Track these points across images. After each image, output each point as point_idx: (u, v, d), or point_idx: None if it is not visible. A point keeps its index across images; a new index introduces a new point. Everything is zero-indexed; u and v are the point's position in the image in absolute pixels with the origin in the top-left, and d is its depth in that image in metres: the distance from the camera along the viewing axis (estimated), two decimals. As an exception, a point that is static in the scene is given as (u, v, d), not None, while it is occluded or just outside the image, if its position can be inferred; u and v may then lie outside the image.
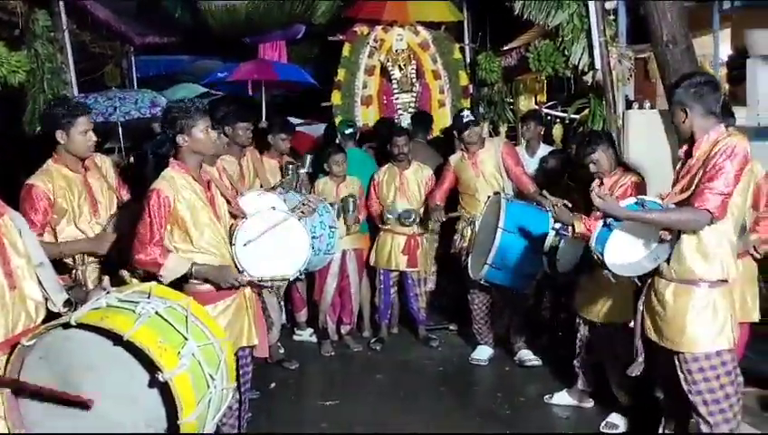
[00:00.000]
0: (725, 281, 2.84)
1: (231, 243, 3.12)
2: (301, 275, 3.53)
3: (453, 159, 5.05)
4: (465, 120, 4.89)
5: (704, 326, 2.83)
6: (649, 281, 3.01)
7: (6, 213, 2.39)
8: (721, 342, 2.83)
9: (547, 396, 4.24)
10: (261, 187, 4.54)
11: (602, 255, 2.87)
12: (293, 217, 3.30)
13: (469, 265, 4.59)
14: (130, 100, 6.70)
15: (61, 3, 6.22)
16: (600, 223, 2.88)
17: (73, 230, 3.24)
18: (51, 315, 2.41)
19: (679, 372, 2.89)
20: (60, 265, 3.03)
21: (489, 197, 4.60)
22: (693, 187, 2.76)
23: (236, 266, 3.13)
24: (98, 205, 3.33)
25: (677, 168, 2.96)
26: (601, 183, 3.80)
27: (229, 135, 4.45)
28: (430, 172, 5.28)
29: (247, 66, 7.99)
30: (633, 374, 3.14)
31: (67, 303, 2.44)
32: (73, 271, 3.23)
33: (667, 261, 2.88)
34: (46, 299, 2.43)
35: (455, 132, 5.15)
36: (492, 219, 4.36)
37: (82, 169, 3.33)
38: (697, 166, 2.78)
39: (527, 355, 4.85)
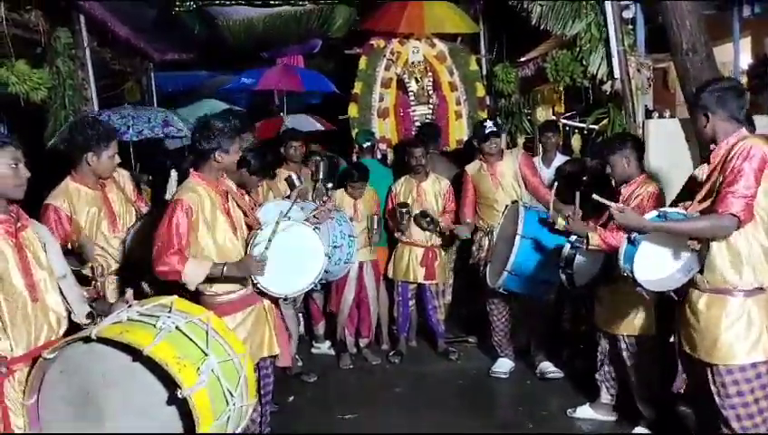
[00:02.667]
0: (761, 289, 2.76)
1: (246, 252, 3.13)
2: (317, 286, 3.52)
3: (470, 169, 5.03)
4: (487, 131, 4.87)
5: (738, 338, 2.75)
6: (687, 295, 2.92)
7: (30, 226, 2.43)
8: (756, 354, 2.75)
9: (570, 410, 4.17)
10: (274, 198, 4.56)
11: (633, 272, 2.78)
12: (307, 226, 3.31)
13: (487, 274, 4.56)
14: (143, 118, 6.57)
15: (82, 20, 6.34)
16: (625, 239, 2.80)
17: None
18: (74, 327, 2.42)
19: (712, 386, 2.82)
20: (80, 278, 3.05)
21: (507, 205, 4.58)
22: (713, 193, 2.72)
23: (252, 281, 3.14)
24: (117, 219, 3.40)
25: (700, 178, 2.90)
26: (618, 192, 3.75)
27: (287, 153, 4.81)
28: (448, 184, 5.26)
29: (273, 74, 8.08)
30: (677, 391, 3.07)
31: (89, 315, 2.47)
32: (93, 283, 3.26)
33: (701, 271, 2.81)
34: (69, 311, 2.45)
35: (475, 142, 5.12)
36: (510, 228, 4.34)
37: (100, 185, 3.37)
38: (716, 172, 2.74)
39: (548, 367, 4.79)
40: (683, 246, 2.77)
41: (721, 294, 2.78)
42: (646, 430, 3.81)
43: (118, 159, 3.41)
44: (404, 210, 5.03)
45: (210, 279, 3.03)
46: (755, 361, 2.75)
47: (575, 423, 4.09)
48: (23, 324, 2.31)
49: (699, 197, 2.81)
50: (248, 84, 8.21)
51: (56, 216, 3.21)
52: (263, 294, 3.21)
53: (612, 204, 2.84)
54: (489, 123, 4.98)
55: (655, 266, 2.80)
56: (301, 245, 3.24)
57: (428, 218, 5.03)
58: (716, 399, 2.80)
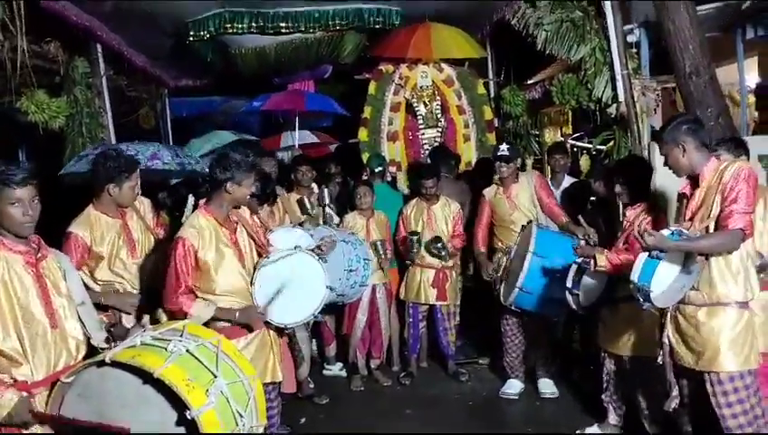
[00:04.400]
0: (752, 299, 2.96)
1: (251, 283, 3.22)
2: (317, 316, 3.57)
3: (488, 193, 5.09)
4: (499, 154, 4.93)
5: (738, 345, 2.92)
6: (670, 312, 3.08)
7: (50, 255, 2.53)
8: (751, 361, 2.94)
9: (578, 431, 4.18)
10: (290, 223, 4.66)
11: (650, 289, 2.83)
12: (312, 256, 3.38)
13: (501, 292, 4.61)
14: (131, 151, 6.51)
15: (99, 50, 6.50)
16: (644, 256, 2.86)
17: (108, 274, 3.43)
18: (93, 351, 2.52)
19: (712, 397, 2.95)
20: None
21: (523, 226, 4.64)
22: (712, 214, 2.89)
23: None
24: (135, 246, 3.52)
25: (684, 202, 3.05)
26: (624, 214, 3.81)
27: (295, 176, 4.93)
28: (458, 207, 5.32)
29: (279, 97, 8.27)
30: (670, 409, 3.15)
31: (107, 340, 2.56)
32: (110, 309, 3.37)
33: (696, 288, 2.96)
34: (87, 337, 2.55)
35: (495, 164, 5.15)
36: (525, 247, 4.40)
37: (120, 213, 3.49)
38: (711, 194, 2.91)
39: (545, 386, 4.85)
40: (680, 264, 2.89)
41: (719, 305, 2.94)
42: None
43: (139, 190, 3.54)
44: (415, 238, 5.09)
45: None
46: (751, 368, 2.94)
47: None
48: (42, 351, 2.41)
49: (698, 218, 2.96)
50: (257, 106, 8.38)
51: (76, 244, 3.34)
52: (266, 322, 3.29)
53: (643, 227, 2.96)
54: (503, 147, 5.00)
55: (664, 282, 2.90)
56: (304, 275, 3.31)
57: (440, 244, 5.09)
58: (717, 409, 2.95)
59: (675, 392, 3.14)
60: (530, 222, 4.59)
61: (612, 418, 4.06)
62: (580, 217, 5.01)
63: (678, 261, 2.90)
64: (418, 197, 5.33)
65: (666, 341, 3.12)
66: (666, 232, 2.90)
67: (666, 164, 3.12)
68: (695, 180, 3.02)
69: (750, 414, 2.91)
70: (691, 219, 2.99)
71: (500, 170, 4.93)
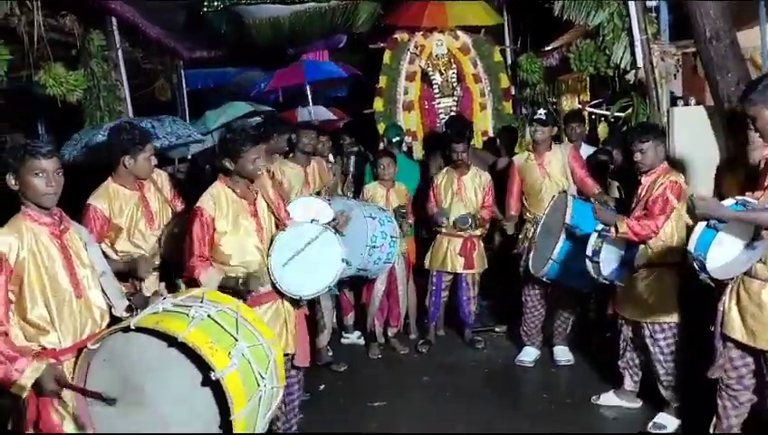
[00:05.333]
0: None
1: (268, 254, 3.25)
2: (332, 289, 3.60)
3: (517, 160, 5.05)
4: (536, 117, 4.87)
5: None
6: (736, 282, 2.96)
7: (72, 227, 2.59)
8: None
9: (594, 397, 4.23)
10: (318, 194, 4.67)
11: (705, 259, 2.71)
12: (329, 229, 3.40)
13: (530, 263, 4.59)
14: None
15: (114, 23, 6.51)
16: (703, 225, 2.71)
17: (128, 245, 3.49)
18: (115, 321, 2.59)
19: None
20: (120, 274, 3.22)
21: (554, 196, 4.60)
22: None
23: (272, 281, 3.26)
24: (154, 217, 3.58)
25: (762, 167, 2.83)
26: (640, 182, 3.78)
27: (296, 143, 4.78)
28: (489, 178, 5.26)
29: (279, 74, 8.29)
30: (713, 377, 3.09)
31: (128, 308, 2.63)
32: (130, 279, 3.43)
33: (763, 261, 2.82)
34: (110, 306, 2.62)
35: (525, 130, 5.12)
36: (556, 218, 4.35)
37: (138, 185, 3.55)
38: None
39: (561, 354, 4.89)
40: (747, 237, 2.73)
41: None
42: (669, 417, 3.85)
43: (155, 161, 3.59)
44: (444, 215, 5.09)
45: None
46: None
47: (599, 410, 4.15)
48: (69, 319, 2.50)
49: None
50: (262, 88, 8.37)
51: (95, 215, 3.39)
52: (281, 293, 3.33)
53: (698, 192, 2.84)
54: (541, 111, 4.97)
55: (722, 255, 2.76)
56: (320, 248, 3.32)
57: (467, 224, 5.05)
58: None
59: (720, 361, 3.05)
60: (563, 192, 4.53)
61: (628, 383, 4.09)
62: (610, 179, 4.99)
63: (743, 234, 2.73)
64: (449, 165, 5.28)
65: (721, 309, 3.01)
66: (729, 201, 2.76)
67: (753, 127, 2.79)
68: None
69: None
70: (766, 188, 2.77)
71: (535, 134, 4.86)
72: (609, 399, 4.17)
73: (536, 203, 4.89)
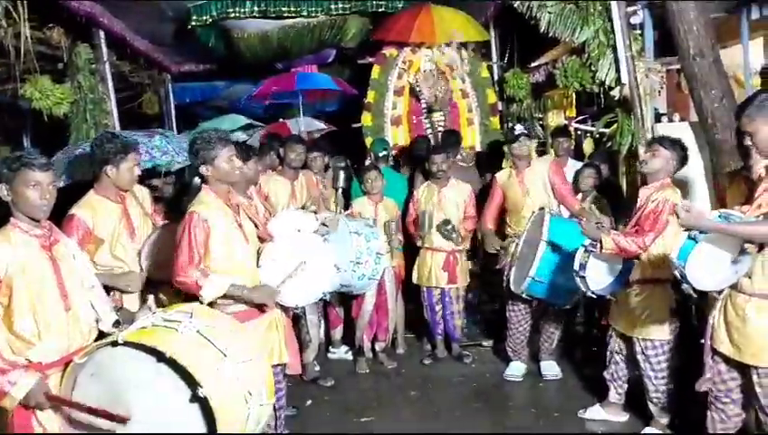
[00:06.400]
0: None
1: (258, 265, 3.24)
2: (325, 295, 3.61)
3: (500, 176, 5.07)
4: (516, 132, 4.90)
5: None
6: (723, 297, 2.99)
7: (62, 240, 2.58)
8: None
9: (581, 411, 4.23)
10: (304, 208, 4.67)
11: (684, 268, 2.79)
12: (317, 237, 3.40)
13: (511, 279, 4.62)
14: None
15: (102, 36, 6.50)
16: (685, 235, 2.81)
17: (109, 258, 3.43)
18: (102, 335, 2.56)
19: (757, 388, 2.90)
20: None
21: (533, 212, 4.63)
22: None
23: None
24: (135, 230, 3.53)
25: (764, 185, 2.83)
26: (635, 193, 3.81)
27: (283, 158, 4.84)
28: (469, 189, 5.30)
29: (269, 80, 8.33)
30: (702, 389, 3.10)
31: (116, 323, 2.60)
32: (111, 294, 3.40)
33: (749, 275, 2.85)
34: (97, 320, 2.60)
35: (506, 147, 5.15)
36: (536, 234, 4.39)
37: (121, 198, 3.53)
38: None
39: (548, 368, 4.91)
40: (735, 249, 2.77)
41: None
42: (656, 431, 3.86)
43: (138, 171, 3.55)
44: (426, 214, 5.09)
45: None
46: None
47: (587, 424, 4.16)
48: (57, 332, 2.48)
49: (757, 203, 2.80)
50: (250, 94, 8.40)
51: (78, 225, 3.33)
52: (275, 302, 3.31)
53: (681, 202, 2.87)
54: (519, 126, 5.02)
55: (706, 266, 2.80)
56: (311, 256, 3.33)
57: (450, 226, 5.09)
58: (762, 399, 2.89)
59: (709, 375, 3.07)
60: (541, 209, 4.55)
61: (613, 396, 4.10)
62: (597, 195, 5.03)
63: (731, 247, 2.77)
64: (429, 179, 5.32)
65: (710, 323, 3.04)
66: (713, 213, 2.82)
67: (751, 143, 2.79)
68: None
69: None
70: (754, 203, 2.81)
71: (519, 149, 4.86)
72: (595, 412, 4.18)
73: (518, 220, 4.91)
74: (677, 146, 3.74)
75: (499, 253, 5.02)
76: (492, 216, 5.07)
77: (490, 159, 6.35)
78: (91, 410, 2.33)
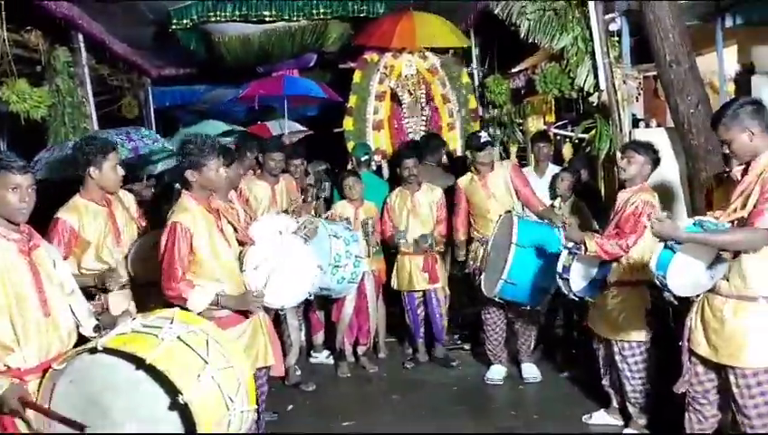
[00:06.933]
0: None
1: (242, 269, 3.24)
2: (310, 295, 3.63)
3: (462, 182, 5.12)
4: (482, 141, 4.95)
5: (764, 342, 2.84)
6: (700, 299, 3.03)
7: (41, 245, 2.56)
8: None
9: (585, 416, 4.22)
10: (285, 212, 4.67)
11: (665, 278, 2.83)
12: (299, 238, 3.41)
13: (482, 284, 4.66)
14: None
15: (80, 39, 6.45)
16: (661, 246, 2.85)
17: (95, 261, 3.44)
18: (83, 340, 2.54)
19: (734, 388, 2.92)
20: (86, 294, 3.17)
21: (500, 216, 4.68)
22: (748, 206, 2.77)
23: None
24: (121, 234, 3.54)
25: (739, 188, 2.87)
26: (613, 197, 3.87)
27: (263, 164, 4.83)
28: (440, 192, 5.34)
29: (257, 82, 8.33)
30: (680, 391, 3.14)
31: (96, 328, 2.59)
32: (96, 297, 3.39)
33: (727, 278, 2.89)
34: (77, 325, 2.57)
35: (468, 152, 5.21)
36: (504, 237, 4.44)
37: (106, 202, 3.52)
38: (752, 186, 2.79)
39: (528, 371, 4.94)
40: (711, 255, 2.83)
41: (746, 301, 2.87)
42: (634, 431, 3.92)
43: (121, 171, 3.54)
44: (401, 235, 5.16)
45: None
46: None
47: (569, 424, 4.19)
48: (35, 338, 2.45)
49: (731, 208, 2.85)
50: (236, 96, 8.37)
51: (63, 228, 3.34)
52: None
53: (655, 213, 2.92)
54: (483, 133, 5.11)
55: (684, 273, 2.84)
56: (293, 257, 3.34)
57: (428, 243, 5.11)
58: (739, 400, 2.91)
59: (687, 376, 3.11)
60: (508, 212, 4.60)
61: (617, 401, 4.12)
62: (556, 202, 5.10)
63: (704, 254, 2.83)
64: (401, 185, 5.35)
65: (688, 325, 3.08)
66: (688, 221, 2.87)
67: (729, 150, 2.84)
68: (747, 167, 2.85)
69: None
70: (720, 207, 2.88)
71: (484, 157, 4.93)
72: (600, 418, 4.18)
73: (484, 223, 4.96)
74: (649, 150, 3.85)
75: (468, 259, 5.09)
76: (462, 224, 5.13)
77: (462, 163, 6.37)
78: (63, 420, 2.31)
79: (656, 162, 3.86)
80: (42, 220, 3.00)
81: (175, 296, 3.04)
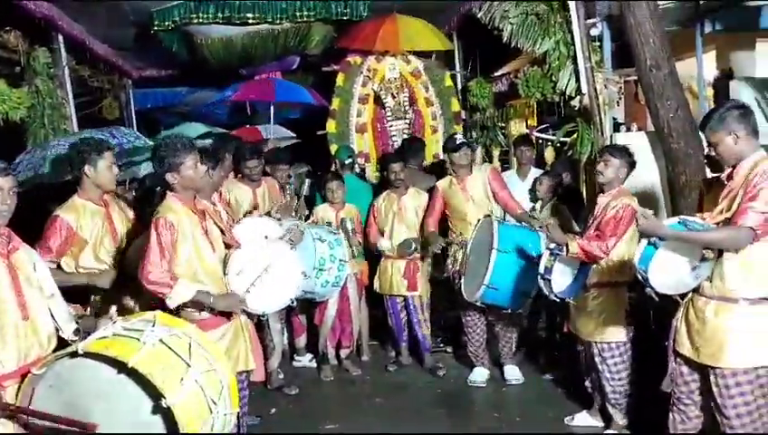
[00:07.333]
0: (765, 299, 2.87)
1: (224, 272, 3.22)
2: (293, 302, 3.62)
3: (441, 184, 5.12)
4: (457, 142, 4.97)
5: (743, 344, 2.87)
6: (687, 299, 3.06)
7: (21, 248, 2.52)
8: (760, 358, 2.88)
9: (567, 418, 4.24)
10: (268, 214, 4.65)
11: (646, 273, 2.89)
12: (284, 244, 3.40)
13: (462, 288, 4.66)
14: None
15: (60, 40, 6.37)
16: (644, 242, 2.90)
17: (92, 260, 3.45)
18: (63, 344, 2.50)
19: (714, 387, 2.95)
20: (74, 295, 3.17)
21: (479, 220, 4.69)
22: (733, 208, 2.83)
23: None
24: (118, 234, 3.55)
25: (725, 191, 2.92)
26: (594, 201, 3.90)
27: (242, 171, 4.81)
28: (427, 197, 5.34)
29: (249, 86, 8.25)
30: (665, 390, 3.18)
31: (76, 332, 2.55)
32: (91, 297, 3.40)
33: (710, 279, 2.93)
34: (57, 329, 2.54)
35: (445, 155, 5.23)
36: (483, 241, 4.44)
37: (103, 202, 3.54)
38: (737, 188, 2.84)
39: (511, 373, 4.96)
40: (696, 254, 2.87)
41: (727, 302, 2.90)
42: (615, 432, 3.95)
43: (116, 170, 3.56)
44: (384, 246, 5.17)
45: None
46: (759, 365, 2.89)
47: (550, 426, 4.21)
48: (13, 342, 2.40)
49: (717, 210, 2.90)
50: (228, 96, 8.31)
51: (61, 226, 3.35)
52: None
53: (640, 209, 2.95)
54: (459, 135, 5.16)
55: (667, 270, 2.89)
56: (277, 262, 3.33)
57: (411, 249, 5.12)
58: (718, 399, 2.94)
59: (672, 376, 3.14)
60: (487, 215, 4.61)
61: (598, 403, 4.15)
62: (536, 205, 5.13)
63: (692, 253, 2.86)
64: (388, 188, 5.36)
65: (674, 325, 3.12)
66: (673, 220, 2.92)
67: (715, 153, 2.90)
68: (733, 170, 2.89)
69: (751, 406, 2.88)
70: (710, 210, 2.92)
71: (460, 158, 4.93)
72: (582, 419, 4.20)
73: (462, 226, 4.97)
74: (625, 153, 3.90)
75: (446, 262, 5.07)
76: (433, 221, 5.11)
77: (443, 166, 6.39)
78: (53, 419, 2.27)
79: (631, 165, 3.91)
80: (24, 223, 2.96)
81: (157, 283, 2.98)
